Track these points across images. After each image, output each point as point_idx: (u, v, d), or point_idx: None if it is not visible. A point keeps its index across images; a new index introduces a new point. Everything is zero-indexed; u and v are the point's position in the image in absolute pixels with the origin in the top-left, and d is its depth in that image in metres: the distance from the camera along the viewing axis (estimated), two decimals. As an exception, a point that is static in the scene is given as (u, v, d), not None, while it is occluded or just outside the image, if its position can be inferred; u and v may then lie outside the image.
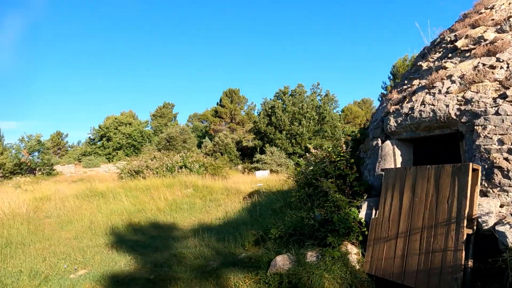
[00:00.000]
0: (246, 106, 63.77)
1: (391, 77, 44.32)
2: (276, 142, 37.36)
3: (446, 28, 7.81)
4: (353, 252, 5.96)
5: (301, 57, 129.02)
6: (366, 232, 5.96)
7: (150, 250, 8.09)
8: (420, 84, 6.25)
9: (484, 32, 6.02)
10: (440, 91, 5.64)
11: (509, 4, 6.29)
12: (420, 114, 5.75)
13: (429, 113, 5.62)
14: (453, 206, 4.75)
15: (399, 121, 6.11)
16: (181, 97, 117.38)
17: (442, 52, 6.57)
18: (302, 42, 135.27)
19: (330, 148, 7.58)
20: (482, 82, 5.20)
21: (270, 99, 41.63)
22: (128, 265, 6.90)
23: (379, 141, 6.51)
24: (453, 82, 5.58)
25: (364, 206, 6.18)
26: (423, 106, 5.76)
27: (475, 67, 5.49)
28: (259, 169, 31.88)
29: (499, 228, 4.22)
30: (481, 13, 6.54)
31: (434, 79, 5.78)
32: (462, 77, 5.50)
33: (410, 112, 5.93)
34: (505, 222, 4.37)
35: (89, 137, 58.79)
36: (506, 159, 4.74)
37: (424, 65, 6.69)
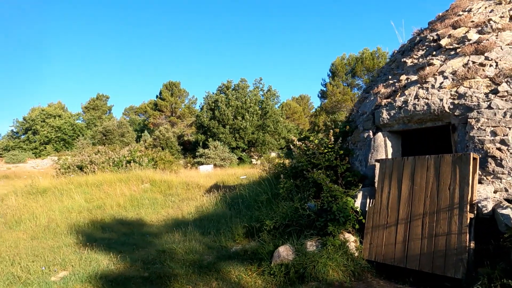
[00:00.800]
0: (187, 99, 62.48)
1: (330, 75, 45.97)
2: (219, 136, 37.04)
3: (419, 28, 8.34)
4: (351, 240, 6.15)
5: (243, 52, 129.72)
6: (363, 220, 6.19)
7: (128, 247, 7.65)
8: (409, 79, 6.61)
9: (467, 32, 6.52)
10: (433, 86, 6.01)
11: (485, 8, 6.87)
12: (414, 107, 6.08)
13: (423, 106, 5.97)
14: (455, 192, 5.10)
15: (392, 114, 6.40)
16: (116, 89, 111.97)
17: (425, 50, 6.99)
18: (243, 37, 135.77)
19: (317, 141, 7.73)
20: (474, 78, 5.64)
21: (213, 93, 41.15)
22: (113, 264, 6.47)
23: (371, 133, 6.77)
24: (445, 77, 5.97)
25: (359, 195, 6.41)
26: (416, 99, 6.09)
27: (466, 64, 5.93)
28: (202, 164, 31.56)
29: (503, 211, 4.62)
30: (459, 15, 7.07)
31: (427, 75, 6.14)
32: (454, 73, 5.91)
33: (403, 105, 6.24)
34: (505, 206, 4.80)
35: (12, 130, 53.69)
36: (499, 149, 5.19)
37: (409, 61, 7.07)
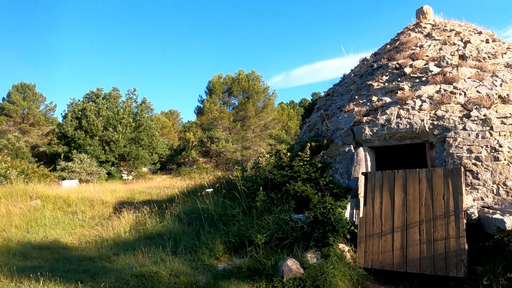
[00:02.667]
0: (43, 105, 55.07)
1: (207, 92, 46.43)
2: (86, 148, 33.27)
3: (364, 56, 9.34)
4: (346, 249, 6.38)
5: (116, 60, 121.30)
6: (355, 230, 6.50)
7: (83, 275, 6.32)
8: (384, 100, 7.31)
9: (426, 64, 7.61)
10: (413, 108, 6.80)
11: (434, 46, 8.15)
12: (397, 126, 6.76)
13: (406, 125, 6.69)
14: (450, 201, 5.83)
15: (374, 130, 6.97)
16: None
17: (389, 76, 7.87)
18: (110, 44, 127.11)
19: (289, 154, 7.81)
20: (449, 103, 6.60)
21: (80, 100, 37.02)
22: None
23: (352, 148, 7.21)
24: (423, 101, 6.82)
25: (348, 206, 6.72)
26: (399, 119, 6.79)
27: (438, 91, 6.90)
28: (64, 179, 28.23)
29: (495, 216, 5.47)
30: (413, 49, 8.20)
31: (406, 98, 6.91)
32: (431, 98, 6.81)
33: (386, 123, 6.87)
34: (491, 212, 5.69)
35: None
36: (475, 164, 6.16)
37: (375, 84, 7.84)
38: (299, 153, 7.63)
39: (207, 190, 8.32)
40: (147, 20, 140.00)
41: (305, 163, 7.47)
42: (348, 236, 6.48)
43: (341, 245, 6.42)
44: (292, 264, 5.79)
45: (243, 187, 7.85)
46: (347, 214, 6.65)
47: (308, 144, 7.56)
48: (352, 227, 6.51)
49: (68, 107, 36.65)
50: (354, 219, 6.71)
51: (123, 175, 35.99)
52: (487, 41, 8.27)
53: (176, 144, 56.36)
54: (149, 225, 9.06)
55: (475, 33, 8.62)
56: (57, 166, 32.15)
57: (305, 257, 6.09)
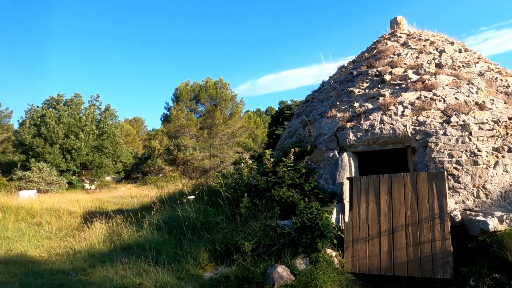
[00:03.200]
0: (-7, 111, 52.15)
1: (174, 99, 45.84)
2: (45, 157, 31.74)
3: (342, 64, 9.51)
4: (333, 255, 6.36)
5: (78, 66, 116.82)
6: (342, 235, 6.50)
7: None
8: (366, 106, 7.43)
9: (405, 72, 7.83)
10: (396, 114, 6.94)
11: (411, 54, 8.41)
12: (381, 131, 6.87)
13: (389, 130, 6.82)
14: (434, 204, 5.96)
15: (358, 136, 7.05)
16: None
17: (369, 83, 8.02)
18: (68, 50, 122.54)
19: (272, 159, 7.74)
20: (430, 109, 6.79)
21: (39, 107, 35.42)
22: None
23: (336, 153, 7.25)
24: (405, 107, 6.99)
25: (334, 211, 6.72)
26: (382, 124, 6.91)
27: (419, 97, 7.10)
28: (22, 189, 26.83)
29: (478, 218, 5.64)
30: (391, 57, 8.42)
31: (388, 104, 7.06)
32: (412, 104, 6.99)
33: (370, 128, 6.97)
34: (473, 214, 5.88)
35: None
36: (456, 168, 6.36)
37: (356, 91, 7.97)
38: (283, 158, 7.58)
39: (189, 197, 8.07)
40: (110, 26, 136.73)
41: (289, 168, 7.43)
42: (335, 241, 6.46)
43: (328, 250, 6.40)
44: (282, 271, 5.69)
45: (226, 193, 7.68)
46: (333, 219, 6.65)
47: (292, 149, 7.53)
48: (339, 232, 6.51)
49: (26, 114, 34.89)
50: (340, 224, 6.72)
51: (85, 184, 34.65)
52: (460, 51, 8.65)
53: (141, 153, 55.10)
54: (125, 235, 8.65)
55: (447, 43, 9.01)
56: (13, 176, 30.39)
57: (294, 263, 6.01)
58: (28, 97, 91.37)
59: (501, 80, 7.67)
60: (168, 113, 45.65)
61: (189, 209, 7.83)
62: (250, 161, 7.95)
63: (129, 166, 45.50)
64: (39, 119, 33.04)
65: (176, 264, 6.58)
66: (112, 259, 7.23)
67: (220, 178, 8.29)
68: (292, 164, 7.44)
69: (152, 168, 47.83)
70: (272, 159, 7.74)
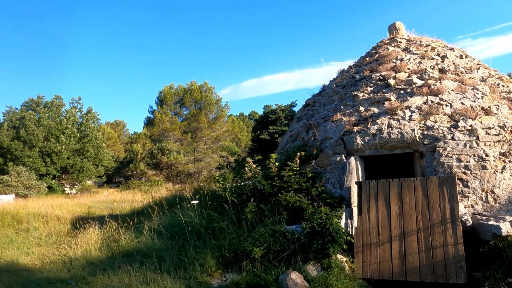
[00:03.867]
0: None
1: (158, 102, 45.39)
2: (24, 160, 30.80)
3: (343, 68, 9.51)
4: (343, 260, 6.28)
5: (59, 67, 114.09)
6: (352, 240, 6.43)
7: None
8: (372, 110, 7.42)
9: (409, 77, 7.87)
10: (403, 118, 6.94)
11: (414, 59, 8.47)
12: (389, 135, 6.86)
13: (397, 135, 6.81)
14: (446, 209, 5.96)
15: (366, 140, 7.02)
16: None
17: (373, 87, 8.02)
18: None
19: (277, 163, 7.61)
20: (437, 114, 6.83)
21: (18, 108, 34.40)
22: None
23: (343, 157, 7.19)
24: (413, 112, 7.00)
25: (343, 216, 6.64)
26: (390, 129, 6.90)
27: (425, 102, 7.12)
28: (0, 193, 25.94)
29: (491, 223, 5.66)
30: (394, 62, 8.45)
31: (396, 108, 7.06)
32: (419, 108, 7.00)
33: (378, 133, 6.95)
34: (485, 219, 5.90)
35: None
36: (464, 173, 6.39)
37: (360, 95, 7.95)
38: (288, 162, 7.48)
39: (193, 202, 7.85)
40: (92, 26, 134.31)
41: (295, 173, 7.33)
42: (344, 247, 6.39)
43: (339, 256, 6.32)
44: (296, 277, 5.57)
45: (231, 197, 7.51)
46: (342, 224, 6.57)
47: (298, 153, 7.43)
48: (348, 237, 6.43)
49: (4, 116, 33.78)
50: (348, 229, 6.65)
51: (65, 189, 33.73)
52: (461, 57, 8.78)
53: (122, 156, 54.15)
54: (123, 241, 8.34)
55: (447, 49, 9.13)
56: (-11, 180, 29.26)
57: (306, 269, 5.90)
58: (6, 99, 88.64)
59: (503, 86, 7.80)
60: (152, 116, 45.03)
61: (192, 214, 7.63)
62: (254, 165, 7.81)
63: (110, 170, 44.59)
64: (18, 122, 32.01)
65: (182, 271, 6.36)
66: (113, 266, 6.95)
67: (222, 182, 8.12)
68: (298, 168, 7.35)
69: (134, 172, 46.99)
70: (277, 163, 7.62)
